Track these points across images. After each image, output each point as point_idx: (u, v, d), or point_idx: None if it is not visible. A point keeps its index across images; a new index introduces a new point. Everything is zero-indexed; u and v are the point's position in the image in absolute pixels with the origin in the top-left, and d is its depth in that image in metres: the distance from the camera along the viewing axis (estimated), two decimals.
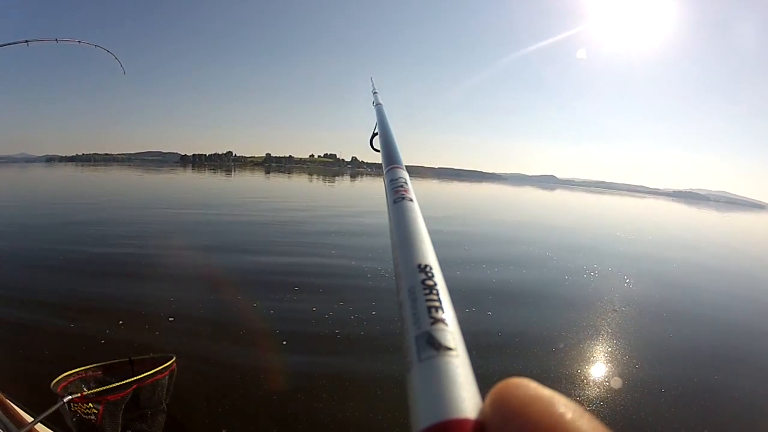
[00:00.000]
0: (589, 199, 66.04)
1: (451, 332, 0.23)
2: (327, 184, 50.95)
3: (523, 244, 13.00)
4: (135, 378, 2.78)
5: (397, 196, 0.38)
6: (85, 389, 2.71)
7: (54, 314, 5.36)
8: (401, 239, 0.31)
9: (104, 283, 6.77)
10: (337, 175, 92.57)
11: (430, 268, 0.27)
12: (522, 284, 8.03)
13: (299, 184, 47.79)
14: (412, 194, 0.38)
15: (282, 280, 7.24)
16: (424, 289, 0.26)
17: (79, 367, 2.85)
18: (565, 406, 0.21)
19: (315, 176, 77.74)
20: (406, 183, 0.41)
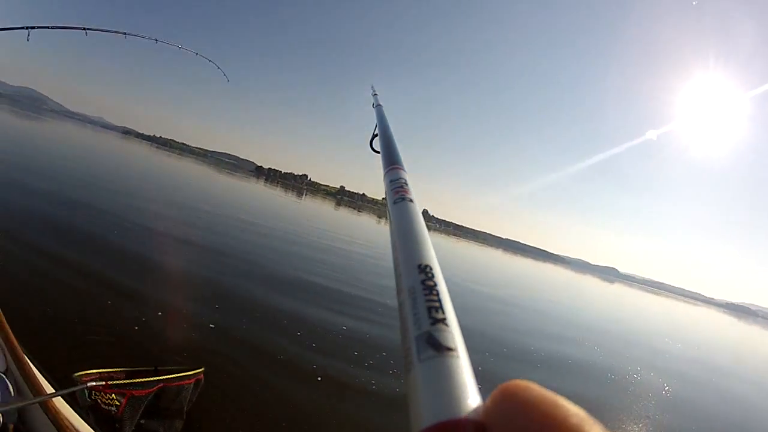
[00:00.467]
0: (645, 299, 65.01)
1: (451, 332, 0.23)
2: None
3: (574, 339, 12.20)
4: (162, 377, 2.82)
5: (397, 196, 0.38)
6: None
7: (101, 286, 5.43)
8: (401, 240, 0.31)
9: (158, 272, 6.82)
10: None
11: (430, 269, 0.27)
12: (564, 377, 7.80)
13: (365, 223, 48.06)
14: (412, 195, 0.38)
15: (335, 317, 7.01)
16: (424, 289, 0.25)
17: (103, 368, 2.83)
18: (567, 409, 0.21)
19: (383, 220, 77.17)
20: (407, 184, 0.41)
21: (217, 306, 5.90)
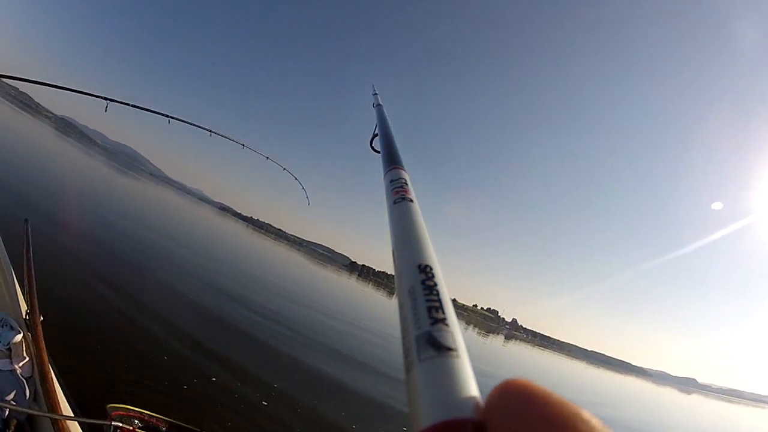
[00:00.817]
0: (717, 409, 61.85)
1: (451, 332, 0.23)
2: (480, 339, 48.43)
3: None
4: None
5: (397, 196, 0.37)
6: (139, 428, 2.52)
7: (163, 342, 5.45)
8: (401, 240, 0.31)
9: (228, 343, 6.75)
10: (492, 332, 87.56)
11: (431, 269, 0.27)
12: None
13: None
14: (412, 195, 0.37)
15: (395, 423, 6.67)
16: (424, 289, 0.26)
17: (145, 409, 2.62)
18: (566, 406, 0.21)
19: (470, 327, 74.25)
20: (407, 183, 0.40)
21: (276, 385, 5.71)
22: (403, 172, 0.44)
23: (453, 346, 0.23)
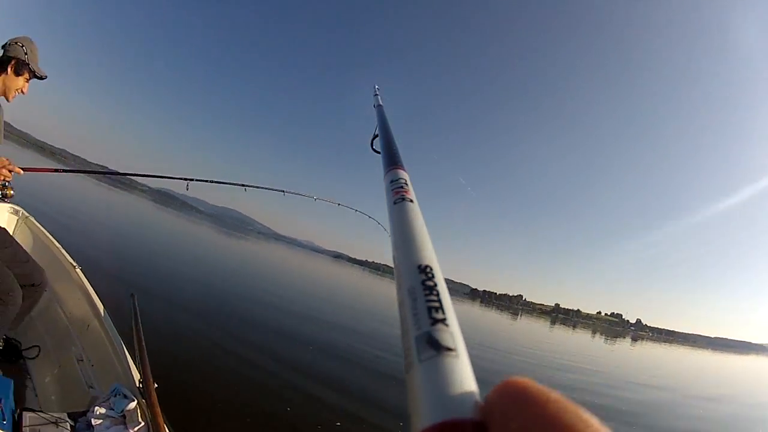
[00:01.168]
0: None
1: (451, 333, 0.23)
2: (607, 347, 43.41)
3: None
4: None
5: (397, 197, 0.37)
6: None
7: (285, 402, 5.01)
8: (401, 240, 0.31)
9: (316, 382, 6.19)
10: (618, 337, 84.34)
11: (431, 269, 0.27)
12: None
13: (583, 341, 41.56)
14: (412, 195, 0.37)
15: None
16: (424, 289, 0.26)
17: None
18: (566, 406, 0.21)
19: (597, 334, 72.02)
20: (407, 184, 0.40)
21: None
22: (403, 172, 0.44)
23: (453, 346, 0.23)
